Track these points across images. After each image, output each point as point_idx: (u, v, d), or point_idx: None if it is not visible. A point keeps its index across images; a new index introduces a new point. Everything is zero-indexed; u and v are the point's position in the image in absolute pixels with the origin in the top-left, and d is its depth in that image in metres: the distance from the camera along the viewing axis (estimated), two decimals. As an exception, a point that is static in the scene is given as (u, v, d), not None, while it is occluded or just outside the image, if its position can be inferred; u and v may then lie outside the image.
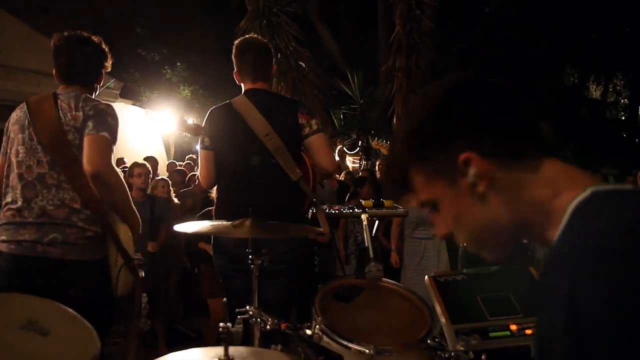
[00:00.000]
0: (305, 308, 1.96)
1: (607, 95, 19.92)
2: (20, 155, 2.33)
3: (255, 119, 2.63)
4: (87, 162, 2.24)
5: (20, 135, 2.35)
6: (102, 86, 2.80)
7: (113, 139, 2.33)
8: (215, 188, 2.85)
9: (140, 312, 4.75)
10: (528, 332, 1.84)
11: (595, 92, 19.77)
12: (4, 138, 2.47)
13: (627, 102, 19.93)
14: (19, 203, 2.29)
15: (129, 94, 13.34)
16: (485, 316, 1.89)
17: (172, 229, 2.11)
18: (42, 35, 8.58)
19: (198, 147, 2.81)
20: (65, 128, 2.29)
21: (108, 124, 2.32)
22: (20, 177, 2.32)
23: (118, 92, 10.79)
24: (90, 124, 2.29)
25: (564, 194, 0.79)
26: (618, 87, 20.06)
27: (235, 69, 2.80)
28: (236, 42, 2.82)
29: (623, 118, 20.08)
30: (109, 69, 2.58)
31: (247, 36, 2.91)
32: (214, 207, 2.84)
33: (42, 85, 7.99)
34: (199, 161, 2.81)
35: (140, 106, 12.09)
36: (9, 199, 2.33)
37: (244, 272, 2.22)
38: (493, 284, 2.03)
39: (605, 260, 0.65)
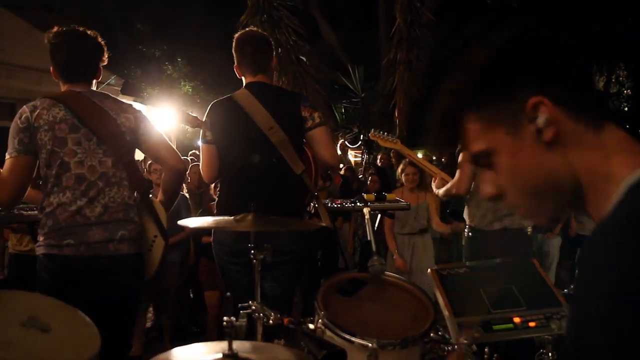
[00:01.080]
0: (309, 302, 1.96)
1: (610, 86, 19.82)
2: (79, 155, 2.31)
3: (258, 112, 2.61)
4: (176, 161, 2.53)
5: (73, 135, 2.31)
6: (103, 83, 2.83)
7: None
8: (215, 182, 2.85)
9: (147, 303, 4.76)
10: (531, 324, 1.83)
11: (598, 83, 19.68)
12: (25, 135, 2.27)
13: (630, 93, 19.83)
14: (79, 202, 2.28)
15: (130, 90, 13.35)
16: (489, 309, 1.89)
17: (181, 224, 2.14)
18: (43, 32, 8.54)
19: (200, 142, 2.81)
20: (122, 129, 2.40)
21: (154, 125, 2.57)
22: (81, 177, 2.30)
23: (119, 89, 10.81)
24: (147, 127, 2.49)
25: (620, 162, 0.74)
26: (621, 78, 19.95)
27: (236, 63, 2.78)
28: (236, 35, 2.81)
29: (626, 109, 19.98)
30: (106, 62, 2.58)
31: (247, 29, 2.89)
32: (215, 202, 2.84)
33: (44, 82, 8.00)
34: (201, 156, 2.80)
35: (141, 102, 12.08)
36: (63, 199, 2.27)
37: (244, 266, 2.22)
38: (496, 277, 2.02)
39: None
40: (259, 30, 2.95)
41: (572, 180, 0.79)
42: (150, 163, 4.83)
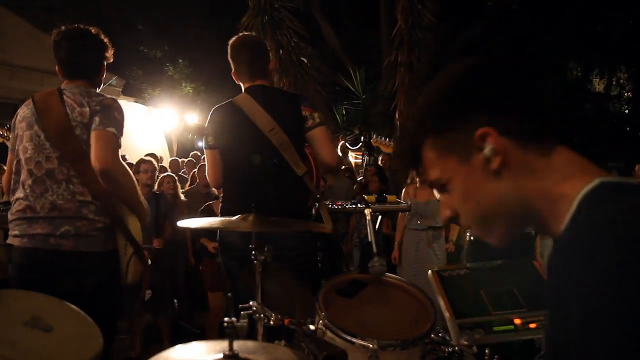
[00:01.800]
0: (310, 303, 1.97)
1: (611, 88, 19.82)
2: (29, 151, 2.36)
3: (258, 114, 2.61)
4: (95, 159, 2.28)
5: (28, 132, 2.38)
6: (105, 83, 2.81)
7: (120, 133, 2.37)
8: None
9: (143, 305, 4.75)
10: (532, 326, 1.84)
11: (599, 85, 19.67)
12: (12, 135, 2.50)
13: (631, 95, 19.82)
14: (30, 199, 2.33)
15: (132, 91, 13.38)
16: (489, 310, 1.89)
17: (178, 225, 2.12)
18: (45, 33, 8.56)
19: (201, 144, 2.80)
20: (73, 124, 2.33)
21: (115, 118, 2.36)
22: (30, 173, 2.35)
23: (120, 90, 10.82)
24: (97, 119, 2.32)
25: (571, 182, 0.79)
26: (621, 80, 19.94)
27: (233, 70, 2.78)
28: (230, 42, 2.79)
29: (627, 111, 19.98)
30: (111, 60, 2.59)
31: (240, 34, 2.86)
32: (217, 203, 2.84)
33: (46, 83, 8.01)
34: (205, 161, 2.80)
35: (142, 103, 12.11)
36: (20, 194, 2.36)
37: (250, 270, 2.22)
38: (497, 278, 2.02)
39: (620, 251, 0.64)
40: (253, 34, 2.93)
41: (523, 206, 0.84)
42: (139, 163, 4.79)
